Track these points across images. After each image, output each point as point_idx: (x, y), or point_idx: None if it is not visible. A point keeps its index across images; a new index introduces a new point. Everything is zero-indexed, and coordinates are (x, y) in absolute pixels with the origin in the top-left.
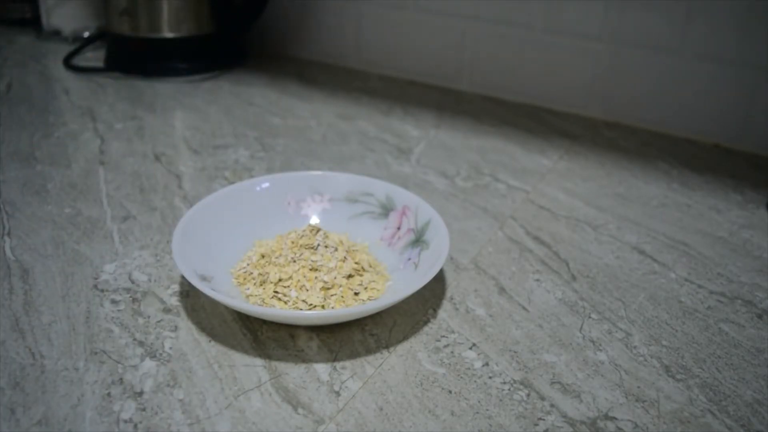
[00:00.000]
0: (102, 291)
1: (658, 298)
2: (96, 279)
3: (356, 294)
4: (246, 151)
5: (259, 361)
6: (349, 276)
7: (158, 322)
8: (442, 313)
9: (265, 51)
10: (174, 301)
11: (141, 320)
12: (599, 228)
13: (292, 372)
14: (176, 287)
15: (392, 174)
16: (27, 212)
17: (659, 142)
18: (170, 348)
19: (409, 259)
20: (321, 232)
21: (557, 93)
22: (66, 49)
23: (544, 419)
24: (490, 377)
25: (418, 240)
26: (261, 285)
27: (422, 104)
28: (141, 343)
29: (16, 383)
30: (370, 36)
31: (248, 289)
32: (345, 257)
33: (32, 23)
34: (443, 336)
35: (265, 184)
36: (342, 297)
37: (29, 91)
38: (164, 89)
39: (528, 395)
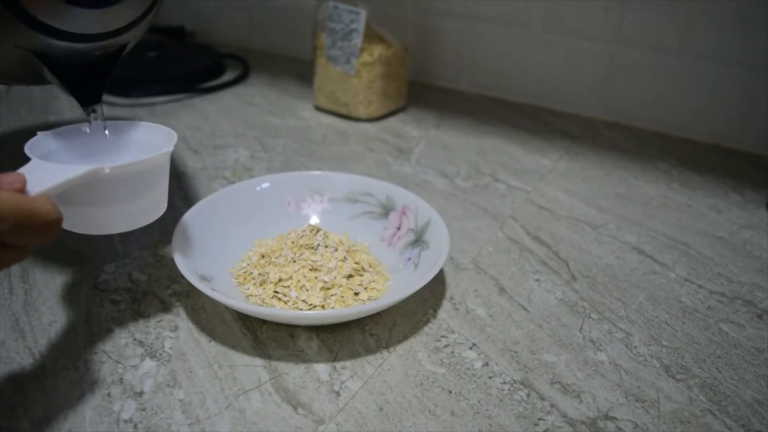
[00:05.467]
0: (102, 291)
1: (658, 298)
2: (96, 279)
3: (356, 294)
4: (246, 151)
5: (259, 361)
6: (349, 276)
7: (158, 322)
8: (442, 313)
9: (265, 51)
10: (174, 301)
11: (141, 320)
12: (599, 228)
13: (292, 372)
14: (176, 287)
15: (392, 174)
16: None
17: (659, 142)
18: (170, 348)
19: (409, 259)
20: (321, 232)
21: (557, 93)
22: None
23: (544, 419)
24: (490, 377)
25: (418, 240)
26: (261, 285)
27: (422, 104)
28: (141, 343)
29: (16, 383)
30: None
31: (248, 289)
32: (345, 257)
33: None
34: (443, 336)
35: (265, 184)
36: (342, 297)
37: (29, 91)
38: None
39: (528, 395)
